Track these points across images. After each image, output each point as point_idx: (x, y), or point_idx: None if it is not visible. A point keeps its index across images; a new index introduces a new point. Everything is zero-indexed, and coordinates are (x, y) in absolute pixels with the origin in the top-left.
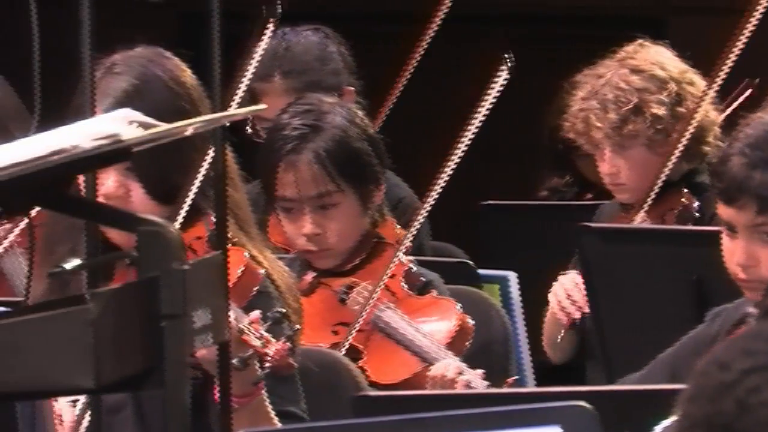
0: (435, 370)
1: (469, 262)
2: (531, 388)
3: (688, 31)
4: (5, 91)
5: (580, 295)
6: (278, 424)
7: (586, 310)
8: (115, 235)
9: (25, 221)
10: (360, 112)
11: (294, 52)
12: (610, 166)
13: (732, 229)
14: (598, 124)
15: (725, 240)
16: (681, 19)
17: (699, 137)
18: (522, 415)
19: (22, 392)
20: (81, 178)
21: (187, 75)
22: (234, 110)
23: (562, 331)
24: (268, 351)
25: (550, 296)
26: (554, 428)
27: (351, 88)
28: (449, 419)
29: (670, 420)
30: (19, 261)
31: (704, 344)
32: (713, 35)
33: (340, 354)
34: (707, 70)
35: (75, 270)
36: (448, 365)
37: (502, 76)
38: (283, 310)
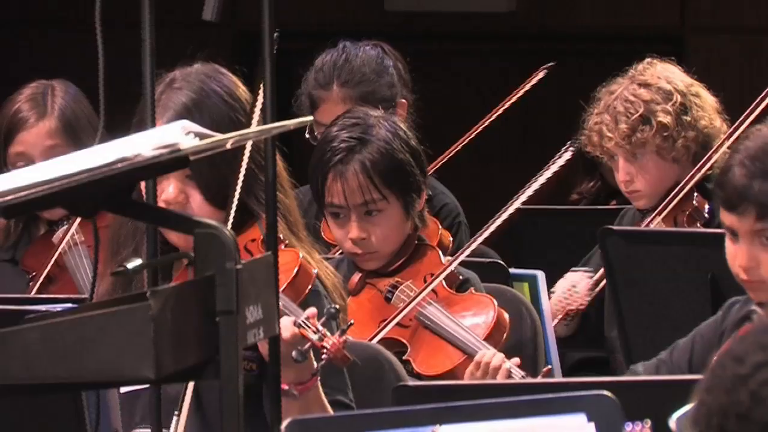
0: (480, 357)
1: (501, 262)
2: (558, 378)
3: (705, 48)
4: (80, 103)
5: (581, 290)
6: (331, 412)
7: (584, 305)
8: (175, 237)
9: (79, 221)
10: (403, 125)
11: (352, 63)
12: (624, 173)
13: (734, 234)
14: (610, 135)
15: (728, 244)
16: (698, 37)
17: (706, 144)
18: (549, 404)
19: (88, 382)
20: (143, 185)
21: (242, 89)
22: (284, 122)
23: (558, 318)
24: (325, 344)
25: (557, 286)
26: (580, 416)
27: (404, 101)
28: (482, 407)
29: (687, 408)
30: (82, 258)
31: (716, 335)
32: (728, 52)
33: (382, 348)
34: (723, 85)
35: (137, 270)
36: (494, 354)
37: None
38: (337, 306)
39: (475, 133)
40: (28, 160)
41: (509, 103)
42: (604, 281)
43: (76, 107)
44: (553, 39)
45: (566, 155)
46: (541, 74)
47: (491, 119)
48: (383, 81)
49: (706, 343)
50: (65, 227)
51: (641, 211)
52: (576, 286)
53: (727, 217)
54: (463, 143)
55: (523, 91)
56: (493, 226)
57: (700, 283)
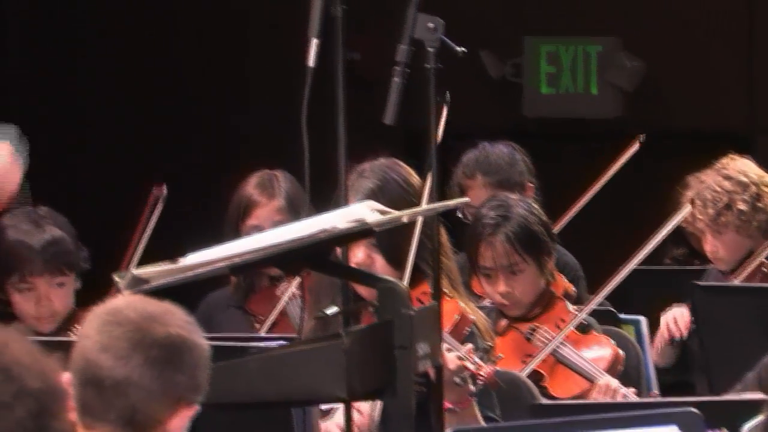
0: (603, 382)
1: (612, 309)
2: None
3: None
4: (296, 186)
5: (683, 321)
6: (483, 424)
7: (685, 333)
8: (362, 290)
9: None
10: (536, 204)
11: (490, 158)
12: (711, 246)
13: None
14: (701, 217)
15: None
16: (766, 137)
17: None
18: (649, 417)
19: (296, 400)
20: (338, 250)
21: (415, 178)
22: (446, 202)
23: (663, 345)
24: (481, 373)
25: (662, 318)
26: (672, 427)
27: (531, 184)
28: (598, 420)
29: (756, 420)
30: (297, 307)
31: None
32: None
33: (522, 375)
34: None
35: (334, 315)
36: (611, 380)
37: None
38: (490, 343)
39: (583, 201)
40: (261, 231)
41: (610, 174)
42: None
43: (295, 189)
44: (650, 137)
45: (678, 217)
46: (636, 145)
47: (597, 187)
48: (515, 170)
49: None
50: (286, 283)
51: (723, 272)
52: (678, 319)
53: None
54: (575, 210)
55: (622, 161)
56: (613, 283)
57: (763, 324)
